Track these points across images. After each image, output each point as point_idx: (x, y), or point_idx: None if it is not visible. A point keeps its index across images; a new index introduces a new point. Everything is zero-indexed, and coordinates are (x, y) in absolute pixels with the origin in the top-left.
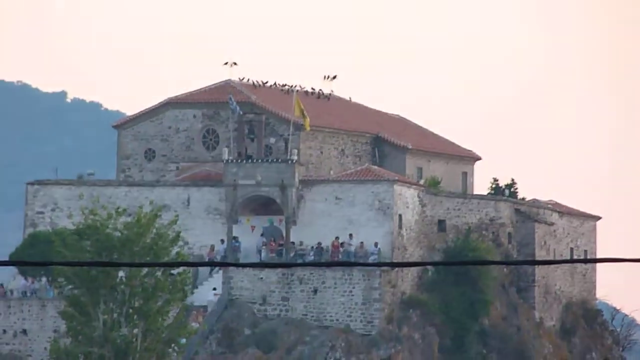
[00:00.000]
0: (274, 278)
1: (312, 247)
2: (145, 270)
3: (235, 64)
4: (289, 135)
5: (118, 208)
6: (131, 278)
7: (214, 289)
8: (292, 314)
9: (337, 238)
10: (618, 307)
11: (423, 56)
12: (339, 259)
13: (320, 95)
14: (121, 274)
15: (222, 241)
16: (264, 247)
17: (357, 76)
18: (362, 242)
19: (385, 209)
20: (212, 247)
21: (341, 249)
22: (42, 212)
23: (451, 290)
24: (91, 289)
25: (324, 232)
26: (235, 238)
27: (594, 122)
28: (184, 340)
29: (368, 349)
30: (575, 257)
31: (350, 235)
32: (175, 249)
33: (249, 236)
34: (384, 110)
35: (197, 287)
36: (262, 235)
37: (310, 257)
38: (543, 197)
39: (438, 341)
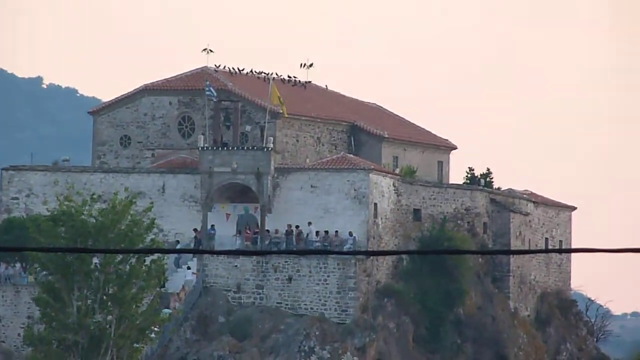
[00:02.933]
0: (248, 266)
1: (283, 233)
2: (119, 257)
3: (211, 51)
4: (265, 123)
5: (93, 194)
6: (105, 265)
7: (189, 267)
8: (266, 302)
9: (297, 227)
10: (593, 298)
11: (400, 45)
12: (313, 248)
13: (296, 83)
14: (96, 260)
15: (196, 230)
16: (238, 235)
17: (334, 65)
18: (336, 231)
19: (360, 197)
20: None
21: (302, 238)
22: (16, 198)
23: (426, 279)
24: (66, 276)
25: (299, 221)
26: (212, 226)
27: (570, 112)
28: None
29: (343, 338)
30: (550, 247)
31: (309, 223)
32: (150, 236)
33: (224, 224)
34: (361, 98)
35: (172, 274)
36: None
37: (284, 245)
38: (518, 187)
39: (413, 330)
